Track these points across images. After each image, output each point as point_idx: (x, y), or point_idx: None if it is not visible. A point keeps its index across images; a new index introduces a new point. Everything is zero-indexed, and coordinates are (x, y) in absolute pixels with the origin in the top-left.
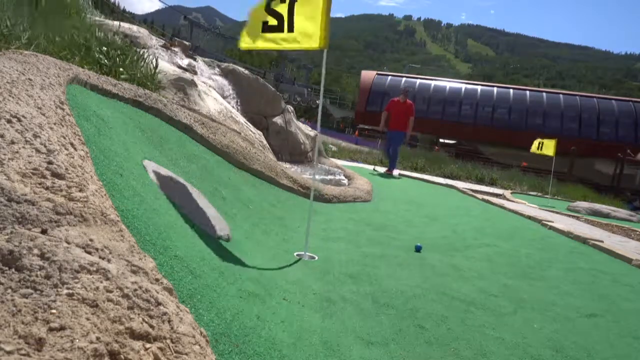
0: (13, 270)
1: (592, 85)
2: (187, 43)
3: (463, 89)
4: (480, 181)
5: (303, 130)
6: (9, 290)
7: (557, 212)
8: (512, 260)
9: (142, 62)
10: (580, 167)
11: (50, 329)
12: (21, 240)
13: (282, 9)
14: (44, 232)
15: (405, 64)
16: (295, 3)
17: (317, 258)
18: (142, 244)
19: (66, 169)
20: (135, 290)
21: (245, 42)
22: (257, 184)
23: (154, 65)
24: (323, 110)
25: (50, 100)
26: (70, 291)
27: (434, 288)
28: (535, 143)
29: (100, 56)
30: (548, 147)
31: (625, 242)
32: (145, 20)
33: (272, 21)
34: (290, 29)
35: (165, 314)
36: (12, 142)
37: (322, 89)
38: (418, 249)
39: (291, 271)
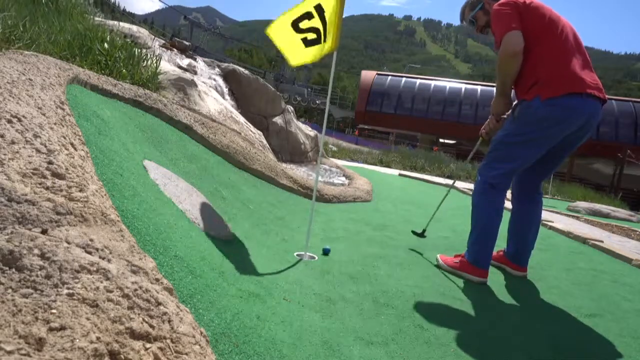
0: (13, 270)
1: None
2: (187, 43)
3: (463, 89)
4: None
5: (303, 130)
6: (10, 290)
7: (557, 212)
8: None
9: (145, 63)
10: (579, 167)
11: (51, 329)
12: (21, 240)
13: (316, 23)
14: (44, 232)
15: (405, 64)
16: (324, 13)
17: (317, 258)
18: (142, 244)
19: (66, 169)
20: (136, 290)
21: (296, 60)
22: (257, 184)
23: (156, 65)
24: (324, 110)
25: (51, 100)
26: (71, 291)
27: (434, 288)
28: None
29: (101, 57)
30: None
31: (625, 242)
32: (145, 20)
33: (311, 35)
34: (325, 38)
35: (165, 314)
36: (13, 142)
37: (329, 90)
38: (326, 252)
39: (291, 271)
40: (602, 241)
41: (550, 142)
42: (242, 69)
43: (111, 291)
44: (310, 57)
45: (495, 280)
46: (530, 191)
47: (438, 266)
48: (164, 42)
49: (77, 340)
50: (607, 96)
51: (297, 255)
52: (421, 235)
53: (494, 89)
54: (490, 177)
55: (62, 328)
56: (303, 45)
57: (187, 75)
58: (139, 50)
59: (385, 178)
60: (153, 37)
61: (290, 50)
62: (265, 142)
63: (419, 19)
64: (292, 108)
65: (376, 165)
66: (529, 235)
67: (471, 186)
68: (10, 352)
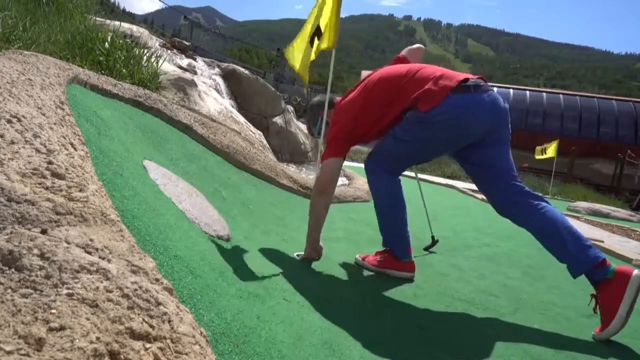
0: (13, 270)
1: (592, 85)
2: (187, 43)
3: None
4: None
5: (303, 130)
6: (9, 290)
7: None
8: (512, 260)
9: (147, 63)
10: (579, 167)
11: (50, 329)
12: (21, 240)
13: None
14: (44, 232)
15: None
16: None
17: (317, 258)
18: (142, 244)
19: (66, 169)
20: (135, 290)
21: (301, 67)
22: (257, 184)
23: (157, 65)
24: None
25: (50, 100)
26: (70, 291)
27: (434, 288)
28: (539, 149)
29: (101, 57)
30: (550, 149)
31: (625, 242)
32: (145, 20)
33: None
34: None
35: (165, 314)
36: (12, 142)
37: (328, 89)
38: None
39: (291, 271)
40: (602, 241)
41: None
42: (242, 69)
43: (111, 291)
44: (309, 57)
45: (495, 280)
46: (509, 202)
47: (359, 266)
48: (164, 42)
49: (77, 340)
50: (607, 96)
51: (297, 255)
52: (433, 244)
53: (494, 89)
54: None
55: (62, 328)
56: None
57: (187, 75)
58: (139, 50)
59: None
60: (153, 37)
61: (303, 66)
62: (265, 142)
63: (419, 19)
64: (292, 108)
65: None
66: (555, 239)
67: (471, 186)
68: (9, 352)
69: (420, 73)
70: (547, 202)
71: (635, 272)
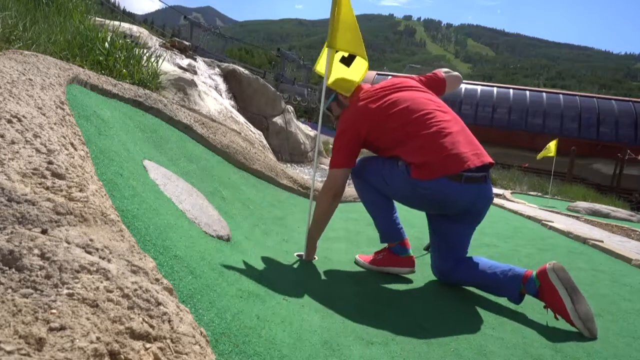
0: (13, 270)
1: (592, 85)
2: (187, 43)
3: (463, 89)
4: None
5: (303, 130)
6: (9, 290)
7: (557, 212)
8: (512, 260)
9: (147, 63)
10: (579, 167)
11: (51, 329)
12: (21, 240)
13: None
14: (44, 232)
15: (405, 64)
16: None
17: (317, 258)
18: (142, 244)
19: (66, 169)
20: (136, 290)
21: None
22: (257, 184)
23: (157, 65)
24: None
25: (51, 100)
26: (71, 291)
27: (434, 288)
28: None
29: (101, 57)
30: (549, 148)
31: (625, 242)
32: (146, 20)
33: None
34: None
35: (165, 314)
36: (13, 142)
37: (324, 87)
38: None
39: (291, 271)
40: (602, 241)
41: None
42: (242, 69)
43: (111, 291)
44: (357, 77)
45: None
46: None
47: (359, 266)
48: (163, 42)
49: (77, 340)
50: (607, 96)
51: (297, 255)
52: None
53: (494, 89)
54: None
55: (62, 328)
56: (345, 67)
57: (187, 75)
58: (139, 50)
59: None
60: (153, 37)
61: (342, 80)
62: (265, 142)
63: (419, 19)
64: (292, 108)
65: None
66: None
67: None
68: (10, 352)
69: (437, 132)
70: (468, 257)
71: (547, 265)
